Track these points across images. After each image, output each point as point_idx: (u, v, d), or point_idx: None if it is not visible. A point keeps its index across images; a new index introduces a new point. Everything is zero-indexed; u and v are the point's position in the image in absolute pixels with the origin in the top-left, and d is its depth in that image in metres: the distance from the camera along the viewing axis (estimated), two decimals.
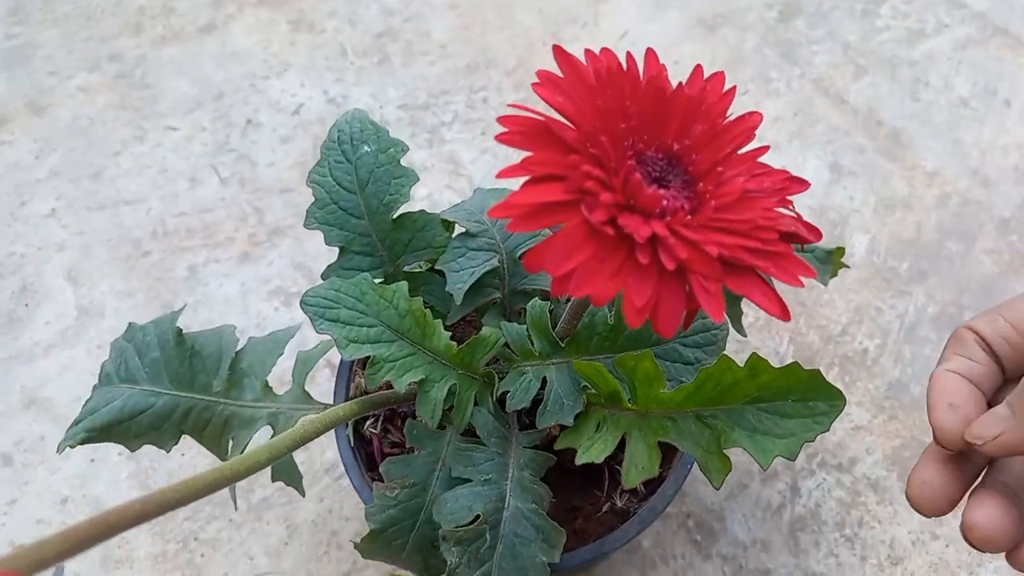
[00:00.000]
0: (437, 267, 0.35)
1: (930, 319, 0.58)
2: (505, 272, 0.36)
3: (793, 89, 0.69)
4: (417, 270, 0.37)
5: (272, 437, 0.34)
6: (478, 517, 0.31)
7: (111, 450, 0.57)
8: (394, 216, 0.35)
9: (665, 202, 0.20)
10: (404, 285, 0.33)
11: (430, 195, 0.67)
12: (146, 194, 0.69)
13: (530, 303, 0.34)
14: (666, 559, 0.50)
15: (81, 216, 0.69)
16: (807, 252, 0.40)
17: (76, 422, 0.39)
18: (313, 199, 0.36)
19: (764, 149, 0.23)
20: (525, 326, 0.34)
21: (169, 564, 0.53)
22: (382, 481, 0.34)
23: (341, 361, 0.45)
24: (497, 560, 0.31)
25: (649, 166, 0.21)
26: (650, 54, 0.23)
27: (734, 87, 0.23)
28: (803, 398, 0.30)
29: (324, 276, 0.36)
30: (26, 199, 0.70)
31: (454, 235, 0.36)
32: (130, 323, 0.40)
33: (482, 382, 0.34)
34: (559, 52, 0.22)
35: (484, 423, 0.34)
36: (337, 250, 0.36)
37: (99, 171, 0.71)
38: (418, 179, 0.35)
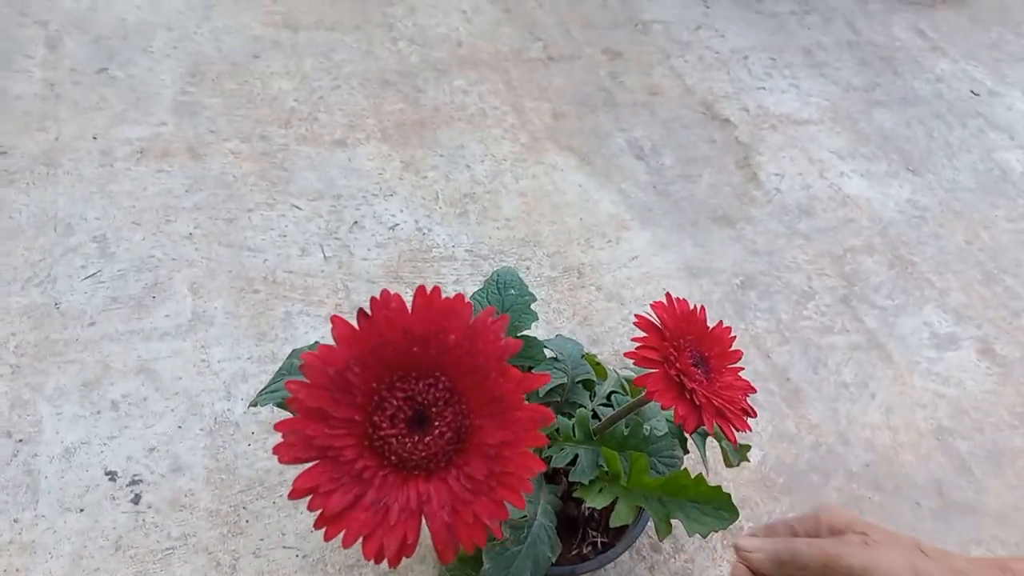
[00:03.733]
0: (534, 371, 0.60)
1: None
2: (567, 387, 0.62)
3: (737, 338, 0.99)
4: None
5: None
6: (524, 517, 0.54)
7: (196, 425, 0.77)
8: (517, 335, 0.61)
9: (698, 377, 0.47)
10: None
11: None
12: (266, 248, 0.93)
13: (578, 410, 0.59)
14: None
15: (212, 247, 0.91)
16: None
17: (263, 392, 0.60)
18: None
19: (741, 368, 0.50)
20: (572, 422, 0.59)
21: (220, 520, 0.71)
22: None
23: None
24: (527, 543, 0.54)
25: (693, 358, 0.48)
26: (702, 309, 0.50)
27: (735, 336, 0.51)
28: (717, 507, 0.55)
29: None
30: (171, 219, 0.93)
31: (546, 357, 0.62)
32: (293, 349, 0.63)
33: None
34: (671, 300, 0.49)
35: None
36: None
37: (233, 218, 0.95)
38: (537, 319, 0.61)
